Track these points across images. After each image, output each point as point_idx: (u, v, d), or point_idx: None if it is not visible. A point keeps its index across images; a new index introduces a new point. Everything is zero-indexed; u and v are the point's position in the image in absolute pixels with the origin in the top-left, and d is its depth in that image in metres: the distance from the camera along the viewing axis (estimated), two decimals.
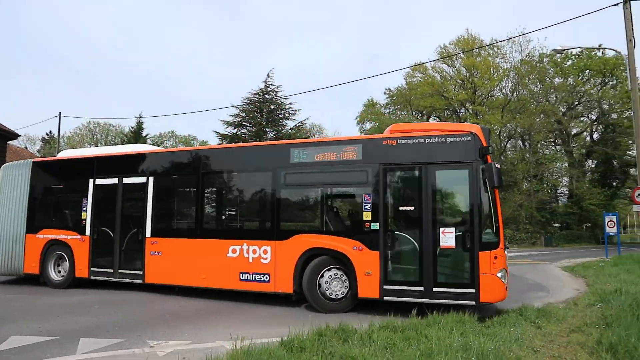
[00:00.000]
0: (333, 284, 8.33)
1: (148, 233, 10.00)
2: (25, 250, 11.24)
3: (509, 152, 44.69)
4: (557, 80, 44.74)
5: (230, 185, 10.10)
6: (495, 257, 7.57)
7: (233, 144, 17.08)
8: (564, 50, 23.48)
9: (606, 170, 45.81)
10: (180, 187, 10.69)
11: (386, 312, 7.26)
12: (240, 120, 30.63)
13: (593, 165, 48.42)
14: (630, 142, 38.22)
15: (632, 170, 40.75)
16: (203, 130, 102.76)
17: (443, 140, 7.95)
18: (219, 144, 29.80)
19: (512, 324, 6.87)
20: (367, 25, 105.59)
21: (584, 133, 48.41)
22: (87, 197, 10.83)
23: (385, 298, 7.89)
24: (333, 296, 8.31)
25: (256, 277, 8.82)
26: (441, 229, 7.76)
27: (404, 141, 8.16)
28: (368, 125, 47.38)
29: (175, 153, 11.68)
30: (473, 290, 7.50)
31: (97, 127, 57.92)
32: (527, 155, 41.80)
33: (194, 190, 9.99)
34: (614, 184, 45.93)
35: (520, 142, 45.94)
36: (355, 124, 50.69)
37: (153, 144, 39.43)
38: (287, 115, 31.76)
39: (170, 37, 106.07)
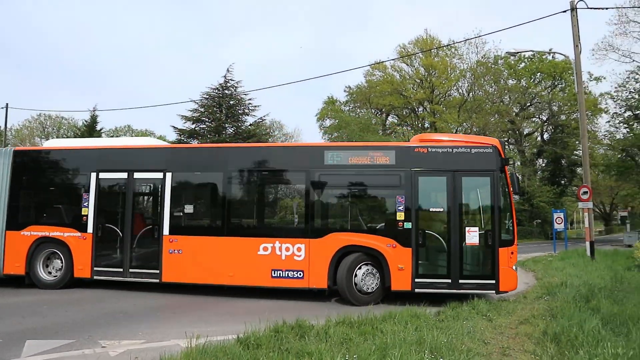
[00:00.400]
0: (367, 278, 8.92)
1: (166, 231, 9.68)
2: (6, 249, 10.11)
3: None
4: (510, 81, 46.33)
5: (260, 184, 10.21)
6: (512, 253, 8.85)
7: (265, 144, 15.99)
8: (517, 53, 24.31)
9: (555, 169, 47.82)
10: (204, 185, 10.47)
11: (402, 302, 8.09)
12: (199, 116, 30.10)
13: (543, 164, 50.42)
14: (577, 142, 40.04)
15: (578, 169, 42.76)
16: (161, 125, 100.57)
17: (468, 150, 9.03)
18: (178, 140, 29.32)
19: (465, 317, 7.10)
20: (328, 23, 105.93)
21: (535, 133, 50.41)
22: (88, 192, 10.05)
23: (417, 290, 8.73)
24: (367, 290, 8.87)
25: (289, 274, 9.09)
26: (466, 228, 8.81)
27: (434, 150, 9.10)
28: (328, 122, 47.55)
29: (199, 149, 11.44)
30: (494, 281, 8.65)
31: (49, 119, 55.58)
32: None
33: (220, 188, 9.87)
34: (562, 182, 47.99)
35: None
36: (316, 120, 50.83)
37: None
38: (246, 111, 31.46)
39: (125, 29, 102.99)
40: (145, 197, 10.36)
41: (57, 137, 51.16)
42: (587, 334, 5.60)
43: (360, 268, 8.93)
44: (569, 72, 40.47)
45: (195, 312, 8.17)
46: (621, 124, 42.27)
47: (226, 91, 30.58)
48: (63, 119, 55.59)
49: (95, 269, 9.86)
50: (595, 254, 16.74)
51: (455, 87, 45.80)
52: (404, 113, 47.54)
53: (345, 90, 50.43)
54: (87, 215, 10.02)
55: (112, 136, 47.44)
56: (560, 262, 15.80)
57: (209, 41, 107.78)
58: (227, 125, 30.43)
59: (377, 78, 46.37)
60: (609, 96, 44.19)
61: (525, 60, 46.18)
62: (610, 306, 7.40)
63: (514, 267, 8.86)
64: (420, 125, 46.59)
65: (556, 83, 46.50)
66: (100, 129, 32.91)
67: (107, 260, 9.92)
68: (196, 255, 9.50)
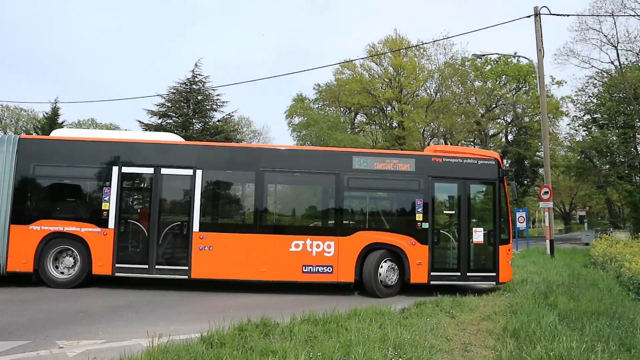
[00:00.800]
0: (389, 273, 9.98)
1: (196, 228, 9.75)
2: (10, 244, 9.41)
3: None
4: (477, 83, 47.32)
5: (292, 184, 11.25)
6: (509, 250, 10.56)
7: (298, 147, 16.18)
8: (483, 55, 24.82)
9: (519, 169, 49.11)
10: (236, 184, 10.87)
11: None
12: (166, 110, 29.59)
13: (507, 165, 51.71)
14: (539, 144, 41.23)
15: (540, 170, 44.03)
16: (126, 119, 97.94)
17: (475, 162, 10.59)
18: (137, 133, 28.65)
19: (429, 314, 7.22)
20: (299, 20, 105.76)
21: (500, 134, 51.61)
22: (109, 187, 9.75)
23: (432, 282, 9.97)
24: (389, 283, 9.93)
25: (319, 269, 9.84)
26: (473, 229, 10.32)
27: (447, 160, 10.48)
28: (297, 120, 47.43)
29: (232, 148, 11.64)
30: (495, 274, 10.21)
31: (6, 110, 53.49)
32: None
33: (253, 188, 10.24)
34: (525, 182, 49.35)
35: (442, 141, 48.07)
36: (284, 117, 50.60)
37: None
38: (214, 106, 31.12)
39: (90, 19, 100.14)
40: (173, 194, 10.32)
41: (16, 130, 49.40)
42: (544, 329, 5.79)
43: (384, 263, 9.96)
44: (533, 75, 41.58)
45: (160, 310, 8.02)
46: (580, 127, 43.82)
47: (194, 86, 30.17)
48: (22, 111, 53.62)
49: (117, 265, 9.59)
50: (555, 252, 17.32)
51: (423, 88, 46.37)
52: (373, 112, 47.83)
53: (314, 88, 50.44)
54: (107, 210, 9.72)
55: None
56: (522, 259, 16.26)
57: (176, 34, 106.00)
58: (194, 120, 30.02)
59: (346, 77, 46.52)
60: (570, 100, 45.71)
61: (492, 62, 47.27)
62: (567, 302, 7.69)
63: (509, 262, 10.55)
64: (388, 124, 47.03)
65: (520, 86, 47.75)
66: (62, 122, 31.90)
67: (130, 256, 9.75)
68: (228, 251, 9.75)
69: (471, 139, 49.73)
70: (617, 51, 37.46)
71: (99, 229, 9.62)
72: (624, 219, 46.48)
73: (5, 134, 48.78)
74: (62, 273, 9.63)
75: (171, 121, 29.89)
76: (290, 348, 4.94)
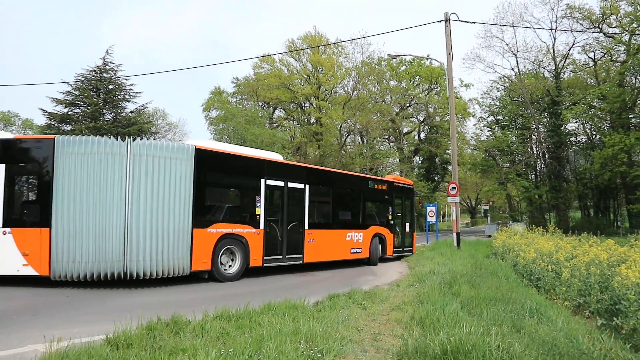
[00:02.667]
0: (379, 249, 15.90)
1: (306, 226, 13.05)
2: (194, 246, 10.00)
3: (348, 147, 47.68)
4: (392, 83, 49.13)
5: (346, 196, 15.57)
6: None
7: (350, 172, 22.20)
8: (398, 56, 25.69)
9: (430, 166, 51.75)
10: (325, 196, 14.42)
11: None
12: (73, 99, 27.67)
13: (420, 162, 54.23)
14: (448, 142, 43.57)
15: (449, 167, 46.55)
16: (28, 107, 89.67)
17: (408, 187, 18.21)
18: (48, 125, 26.84)
19: (342, 306, 7.35)
20: (217, 12, 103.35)
21: (413, 132, 54.01)
22: (259, 195, 11.71)
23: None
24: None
25: (356, 251, 14.85)
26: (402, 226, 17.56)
27: (400, 184, 17.70)
28: (214, 113, 46.45)
29: (325, 171, 16.18)
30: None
31: None
32: (365, 150, 45.09)
33: (332, 198, 14.48)
34: (436, 178, 52.08)
35: (358, 137, 49.33)
36: (202, 111, 49.39)
37: None
38: (127, 97, 29.63)
39: None
40: (294, 201, 12.90)
41: None
42: (447, 316, 6.12)
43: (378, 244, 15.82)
44: (444, 77, 43.87)
45: (62, 312, 7.47)
46: (485, 128, 47.05)
47: (105, 74, 28.52)
48: None
49: (265, 257, 11.72)
50: (461, 244, 18.38)
51: (340, 85, 47.33)
52: (291, 107, 48.02)
53: (233, 82, 49.74)
54: (259, 214, 11.70)
55: None
56: (431, 252, 17.08)
57: (84, 18, 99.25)
58: (105, 111, 28.41)
59: (265, 71, 46.31)
60: (476, 102, 48.99)
61: (406, 63, 49.33)
62: (469, 290, 8.19)
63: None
64: (306, 120, 47.42)
65: (432, 87, 50.30)
66: None
67: (272, 250, 11.99)
68: (322, 242, 13.55)
69: (386, 136, 51.51)
70: (516, 59, 40.65)
71: (254, 230, 11.49)
72: (522, 212, 50.60)
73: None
74: (226, 270, 10.92)
75: (79, 111, 28.06)
76: (201, 346, 4.81)
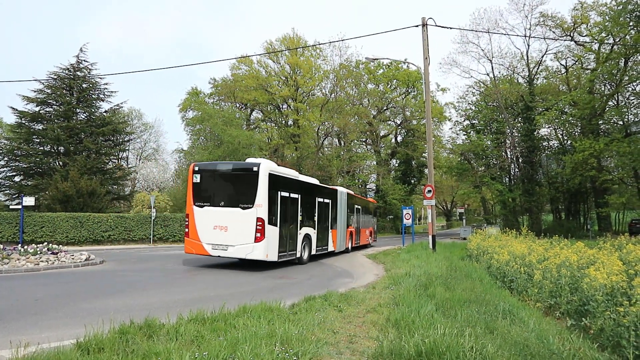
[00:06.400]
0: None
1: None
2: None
3: (326, 149, 47.75)
4: (370, 86, 49.47)
5: (365, 212, 25.25)
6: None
7: (364, 198, 29.06)
8: (376, 59, 25.88)
9: (407, 169, 52.18)
10: (347, 210, 21.34)
11: None
12: (45, 97, 27.11)
13: (396, 164, 54.65)
14: (425, 145, 44.02)
15: (426, 170, 47.05)
16: None
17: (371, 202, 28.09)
18: (18, 124, 26.23)
19: (318, 309, 7.34)
20: (196, 13, 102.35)
21: (390, 135, 54.43)
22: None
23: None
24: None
25: (369, 240, 26.14)
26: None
27: (357, 198, 24.35)
28: (191, 114, 45.92)
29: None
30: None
31: None
32: (342, 152, 45.22)
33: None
34: (412, 181, 52.52)
35: (336, 140, 49.46)
36: (178, 111, 48.81)
37: None
38: (101, 96, 29.16)
39: None
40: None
41: None
42: (422, 318, 6.18)
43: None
44: (420, 81, 44.41)
45: (30, 317, 7.26)
46: (461, 131, 47.71)
47: (78, 73, 28.03)
48: None
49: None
50: (437, 247, 18.58)
51: (318, 87, 47.34)
52: (269, 109, 47.83)
53: (210, 82, 49.26)
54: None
55: None
56: (407, 254, 17.18)
57: (60, 16, 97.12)
58: (78, 110, 27.87)
59: (243, 72, 46.01)
60: (452, 106, 49.69)
61: (384, 67, 49.74)
62: (444, 292, 8.28)
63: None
64: (284, 122, 47.31)
65: (409, 90, 50.78)
66: None
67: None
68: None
69: (363, 139, 51.77)
70: (492, 64, 41.49)
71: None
72: (496, 215, 51.36)
73: None
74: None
75: (51, 109, 27.49)
76: (175, 349, 4.74)
